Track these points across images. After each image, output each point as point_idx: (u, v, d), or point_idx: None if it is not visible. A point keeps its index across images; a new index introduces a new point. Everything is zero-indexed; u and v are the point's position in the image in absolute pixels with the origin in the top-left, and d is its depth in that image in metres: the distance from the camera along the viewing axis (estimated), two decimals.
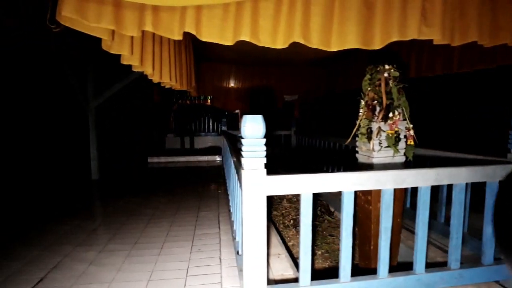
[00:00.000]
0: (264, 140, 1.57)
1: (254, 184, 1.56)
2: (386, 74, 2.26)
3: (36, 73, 5.84)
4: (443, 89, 5.06)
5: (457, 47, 2.57)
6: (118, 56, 2.29)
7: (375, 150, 2.29)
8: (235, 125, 9.93)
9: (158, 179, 6.10)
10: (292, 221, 3.54)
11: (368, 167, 2.31)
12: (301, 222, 1.66)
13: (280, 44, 1.83)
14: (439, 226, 2.69)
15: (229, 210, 3.37)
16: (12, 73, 5.46)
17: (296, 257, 2.69)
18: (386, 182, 1.73)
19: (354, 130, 2.42)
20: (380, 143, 2.29)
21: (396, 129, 2.25)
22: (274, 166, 1.63)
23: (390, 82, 2.25)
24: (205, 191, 4.78)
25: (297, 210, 3.84)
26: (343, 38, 1.82)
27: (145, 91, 8.19)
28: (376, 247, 2.10)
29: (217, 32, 1.77)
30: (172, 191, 4.83)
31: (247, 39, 1.80)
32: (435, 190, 1.89)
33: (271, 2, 1.77)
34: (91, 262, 2.43)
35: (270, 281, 1.87)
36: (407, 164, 2.39)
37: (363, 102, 2.39)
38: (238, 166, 1.82)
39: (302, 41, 1.82)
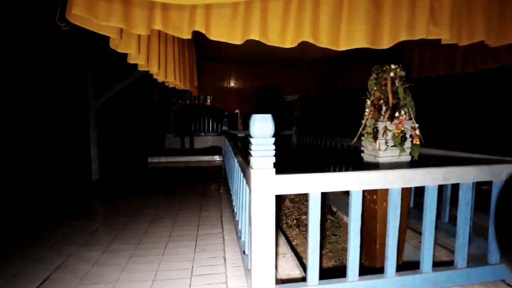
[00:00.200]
0: (273, 139, 1.57)
1: (263, 183, 1.55)
2: (392, 74, 2.26)
3: (36, 73, 5.81)
4: (447, 88, 5.08)
5: (461, 47, 2.57)
6: (118, 56, 2.27)
7: (381, 149, 2.29)
8: (235, 125, 9.94)
9: (158, 179, 6.08)
10: (295, 220, 3.53)
11: (374, 166, 2.31)
12: (309, 221, 1.66)
13: (289, 43, 1.83)
14: (443, 225, 2.69)
15: (233, 210, 3.36)
16: (12, 73, 5.42)
17: (300, 256, 2.69)
18: (394, 181, 1.73)
19: (360, 129, 2.42)
20: (386, 143, 2.29)
21: (402, 129, 2.26)
22: (279, 166, 1.63)
23: (396, 81, 2.26)
24: (206, 191, 4.76)
25: (299, 210, 3.83)
26: (351, 37, 1.82)
27: (146, 90, 8.16)
28: (382, 247, 2.10)
29: (226, 31, 1.76)
30: (173, 191, 4.81)
31: (256, 38, 1.80)
32: (439, 190, 1.90)
33: (281, 1, 1.76)
34: (95, 262, 2.42)
35: (277, 281, 1.86)
36: (412, 164, 2.39)
37: (369, 102, 2.39)
38: (245, 165, 1.81)
39: (311, 41, 1.81)
